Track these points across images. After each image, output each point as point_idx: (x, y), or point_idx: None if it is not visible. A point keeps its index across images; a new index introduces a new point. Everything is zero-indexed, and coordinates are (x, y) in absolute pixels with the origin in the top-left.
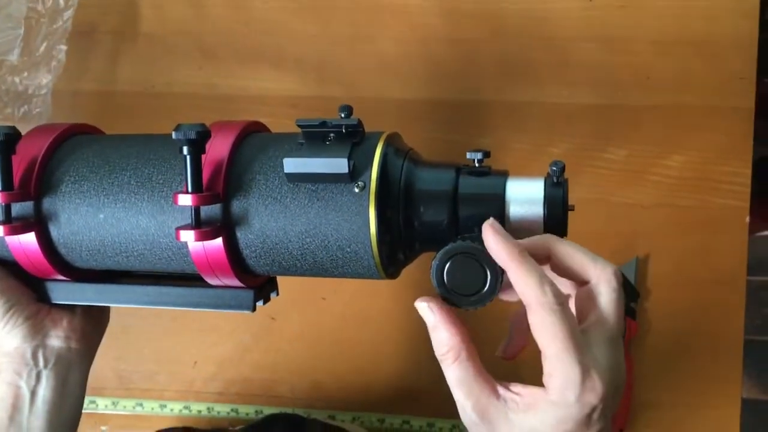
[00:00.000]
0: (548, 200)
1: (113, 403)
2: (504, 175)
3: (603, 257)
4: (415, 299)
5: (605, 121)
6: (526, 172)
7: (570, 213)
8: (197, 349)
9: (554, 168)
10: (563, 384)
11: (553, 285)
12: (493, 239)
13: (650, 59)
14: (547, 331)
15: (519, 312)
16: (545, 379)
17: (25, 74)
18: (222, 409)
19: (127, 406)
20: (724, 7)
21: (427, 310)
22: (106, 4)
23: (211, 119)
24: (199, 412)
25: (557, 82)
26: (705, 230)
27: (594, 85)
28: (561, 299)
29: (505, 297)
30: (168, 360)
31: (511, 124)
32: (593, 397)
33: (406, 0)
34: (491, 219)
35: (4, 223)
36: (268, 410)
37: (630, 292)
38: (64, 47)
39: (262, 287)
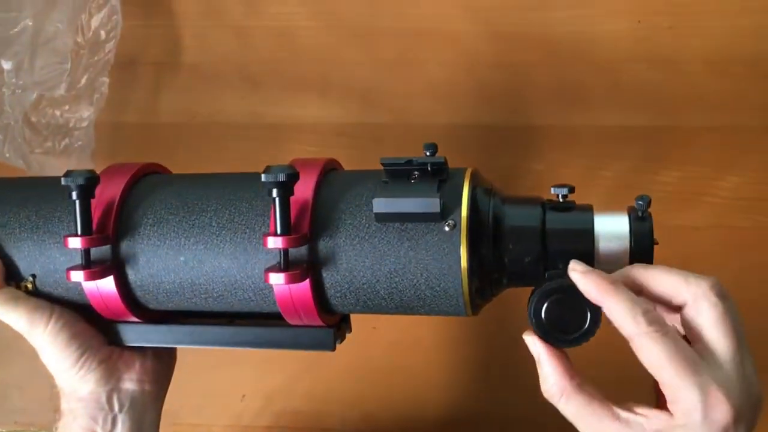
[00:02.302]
0: (635, 234)
1: None
2: (589, 209)
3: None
4: (465, 327)
5: (657, 143)
6: (580, 197)
7: None
8: (245, 382)
9: (640, 202)
10: (686, 407)
11: (648, 312)
12: (581, 278)
13: (701, 80)
14: (653, 361)
15: None
16: (670, 406)
17: (66, 107)
18: None
19: None
20: None
21: (531, 342)
22: (148, 36)
23: (257, 149)
24: None
25: (607, 104)
26: (761, 251)
27: (645, 106)
28: (658, 325)
29: None
30: (215, 393)
31: (562, 148)
32: (720, 414)
33: (453, 25)
34: (574, 260)
35: (84, 268)
36: None
37: None
38: (106, 80)
39: (339, 325)
